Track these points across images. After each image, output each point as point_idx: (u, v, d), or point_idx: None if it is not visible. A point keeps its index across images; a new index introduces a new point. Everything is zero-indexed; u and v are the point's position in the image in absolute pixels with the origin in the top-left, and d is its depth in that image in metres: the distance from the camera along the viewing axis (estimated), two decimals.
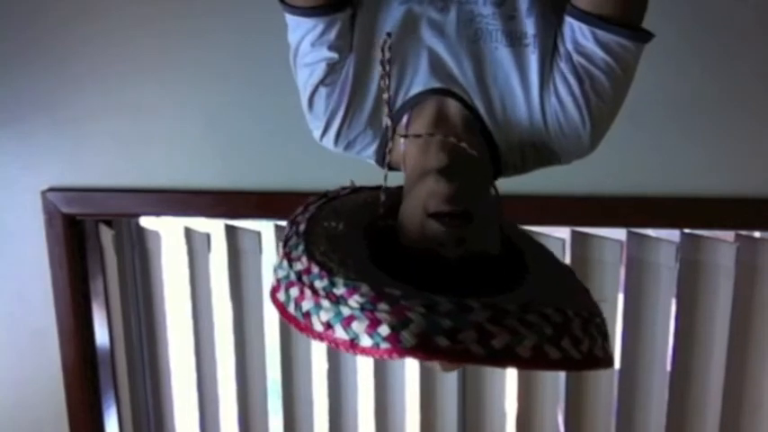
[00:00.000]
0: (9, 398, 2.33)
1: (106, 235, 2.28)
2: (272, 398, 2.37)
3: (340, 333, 0.82)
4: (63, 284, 2.21)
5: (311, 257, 0.90)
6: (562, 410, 2.22)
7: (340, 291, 0.84)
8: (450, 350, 0.79)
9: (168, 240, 2.33)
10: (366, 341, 0.81)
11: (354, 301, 0.83)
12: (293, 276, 0.90)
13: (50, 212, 2.17)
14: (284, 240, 0.97)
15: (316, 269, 0.88)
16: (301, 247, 0.92)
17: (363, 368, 2.29)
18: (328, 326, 0.84)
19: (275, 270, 0.95)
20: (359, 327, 0.81)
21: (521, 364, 0.81)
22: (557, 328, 0.83)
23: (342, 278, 0.85)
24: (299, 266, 0.90)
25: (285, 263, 0.92)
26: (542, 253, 1.07)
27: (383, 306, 0.81)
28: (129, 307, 2.35)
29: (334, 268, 0.87)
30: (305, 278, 0.88)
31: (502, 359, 0.80)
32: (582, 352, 0.84)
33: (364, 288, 0.83)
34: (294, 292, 0.89)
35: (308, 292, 0.87)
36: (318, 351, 2.27)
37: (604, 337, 0.90)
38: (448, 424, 2.26)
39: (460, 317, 0.80)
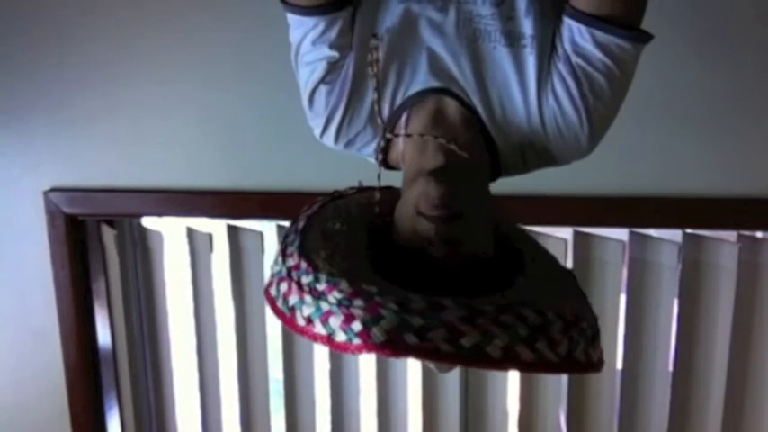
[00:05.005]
0: (11, 398, 2.33)
1: (108, 235, 2.28)
2: (274, 397, 2.37)
3: (319, 328, 0.84)
4: (65, 284, 2.21)
5: (302, 253, 0.91)
6: (564, 411, 2.22)
7: (322, 286, 0.86)
8: (418, 348, 0.80)
9: (170, 240, 2.33)
10: (341, 336, 0.82)
11: (333, 296, 0.84)
12: (284, 272, 0.92)
13: (52, 213, 2.17)
14: (283, 237, 0.98)
15: (304, 265, 0.90)
16: (296, 244, 0.94)
17: (366, 368, 2.29)
18: (309, 321, 0.86)
19: (272, 266, 0.97)
20: (335, 322, 0.83)
21: (492, 364, 0.81)
22: (533, 329, 0.82)
23: (324, 274, 0.87)
24: (290, 262, 0.92)
25: (280, 258, 0.94)
26: (542, 255, 1.06)
27: (358, 302, 0.82)
28: (131, 307, 2.35)
29: (320, 264, 0.89)
30: (294, 273, 0.90)
31: (471, 358, 0.80)
32: (559, 354, 0.83)
33: (343, 284, 0.84)
34: (284, 287, 0.91)
35: (294, 287, 0.89)
36: (321, 351, 2.27)
37: (590, 341, 0.89)
38: (450, 424, 2.26)
39: (432, 315, 0.81)
